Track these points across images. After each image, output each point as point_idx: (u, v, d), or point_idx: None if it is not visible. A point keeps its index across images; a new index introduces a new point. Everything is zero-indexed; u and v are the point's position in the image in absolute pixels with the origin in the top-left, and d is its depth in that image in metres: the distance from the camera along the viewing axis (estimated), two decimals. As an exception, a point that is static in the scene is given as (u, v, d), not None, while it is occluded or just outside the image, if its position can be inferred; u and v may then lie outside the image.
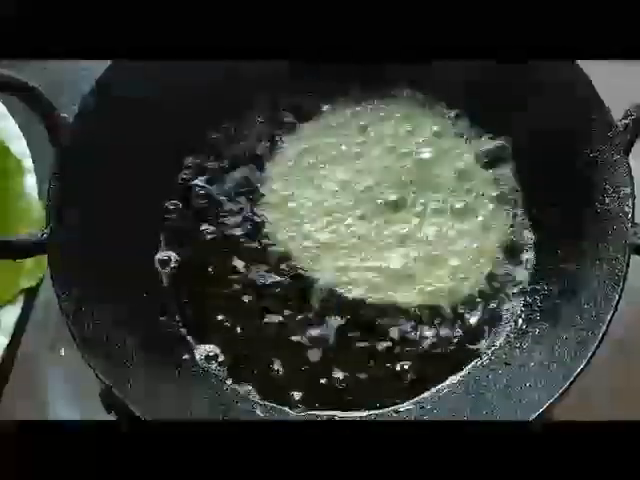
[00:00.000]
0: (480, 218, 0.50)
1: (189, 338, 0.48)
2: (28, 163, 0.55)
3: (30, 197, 0.54)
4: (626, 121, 0.43)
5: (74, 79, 0.52)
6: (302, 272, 0.49)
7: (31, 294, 0.53)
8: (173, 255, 0.50)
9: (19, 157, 0.55)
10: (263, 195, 0.52)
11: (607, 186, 0.44)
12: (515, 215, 0.50)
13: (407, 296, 0.49)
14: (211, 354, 0.48)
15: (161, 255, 0.50)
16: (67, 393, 0.50)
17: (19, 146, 0.55)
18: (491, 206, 0.50)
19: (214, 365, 0.48)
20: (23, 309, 0.52)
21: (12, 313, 0.51)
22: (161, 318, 0.49)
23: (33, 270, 0.52)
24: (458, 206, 0.50)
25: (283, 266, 0.50)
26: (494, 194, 0.51)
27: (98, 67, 0.45)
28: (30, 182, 0.55)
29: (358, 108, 0.53)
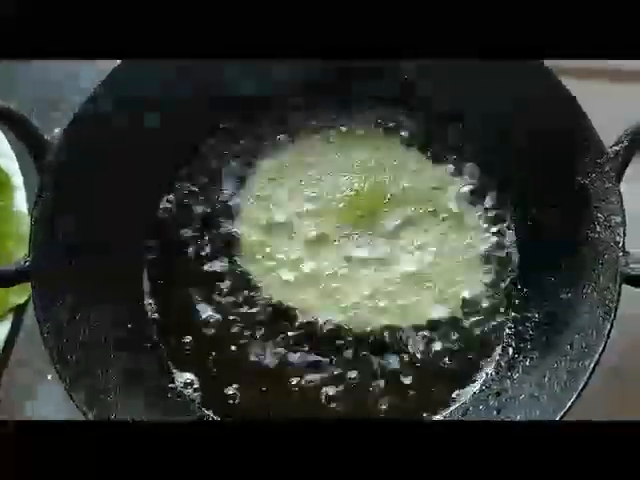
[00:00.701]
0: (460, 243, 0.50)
1: (170, 366, 0.47)
2: (18, 180, 0.55)
3: (20, 214, 0.54)
4: (617, 148, 0.43)
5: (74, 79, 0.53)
6: (281, 305, 0.48)
7: (20, 310, 0.52)
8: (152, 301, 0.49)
9: (9, 173, 0.54)
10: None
11: (598, 214, 0.44)
12: (505, 243, 0.50)
13: (391, 318, 0.48)
14: (188, 381, 0.47)
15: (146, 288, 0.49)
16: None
17: (9, 162, 0.55)
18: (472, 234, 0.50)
19: (191, 391, 0.47)
20: (12, 325, 0.51)
21: (1, 330, 0.50)
22: (144, 345, 0.48)
23: (22, 287, 0.49)
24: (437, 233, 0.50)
25: (260, 298, 0.49)
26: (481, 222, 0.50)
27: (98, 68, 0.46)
28: (20, 198, 0.54)
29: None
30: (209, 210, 0.51)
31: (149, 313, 0.49)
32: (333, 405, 0.47)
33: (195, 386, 0.47)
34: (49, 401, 0.49)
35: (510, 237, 0.49)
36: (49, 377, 0.50)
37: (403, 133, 0.52)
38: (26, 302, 0.51)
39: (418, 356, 0.47)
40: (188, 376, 0.47)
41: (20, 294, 0.51)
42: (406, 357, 0.47)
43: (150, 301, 0.49)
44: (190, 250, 0.50)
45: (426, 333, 0.48)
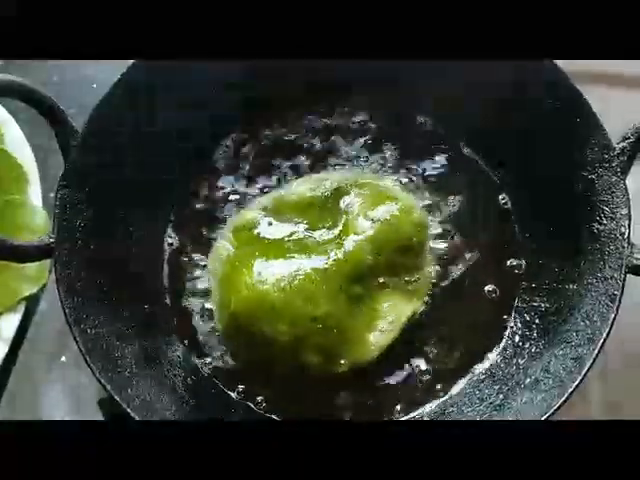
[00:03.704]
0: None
1: (188, 348, 0.48)
2: (33, 169, 0.54)
3: (34, 206, 0.54)
4: (624, 144, 0.44)
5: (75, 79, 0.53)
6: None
7: (32, 302, 0.52)
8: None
9: (23, 164, 0.54)
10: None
11: (604, 207, 0.45)
12: (512, 233, 0.51)
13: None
14: (210, 363, 0.48)
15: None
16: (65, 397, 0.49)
17: (23, 152, 0.54)
18: None
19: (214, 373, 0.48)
20: (23, 317, 0.51)
21: (12, 321, 0.50)
22: (161, 327, 0.49)
23: (35, 278, 0.51)
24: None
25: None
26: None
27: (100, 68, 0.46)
28: (35, 190, 0.54)
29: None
30: (222, 204, 0.52)
31: (165, 295, 0.50)
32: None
33: (210, 366, 0.48)
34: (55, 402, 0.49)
35: (519, 233, 0.51)
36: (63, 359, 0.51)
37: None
38: (38, 294, 0.52)
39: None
40: (206, 359, 0.48)
41: (32, 284, 0.51)
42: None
43: (167, 284, 0.50)
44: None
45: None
